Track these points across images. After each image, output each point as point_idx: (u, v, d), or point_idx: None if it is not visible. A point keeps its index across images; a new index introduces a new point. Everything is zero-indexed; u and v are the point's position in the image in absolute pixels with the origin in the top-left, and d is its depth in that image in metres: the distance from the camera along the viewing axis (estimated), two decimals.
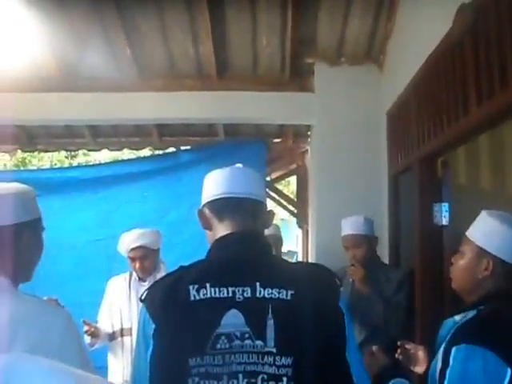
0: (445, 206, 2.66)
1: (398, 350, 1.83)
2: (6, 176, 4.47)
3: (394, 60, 3.43)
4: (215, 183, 1.29)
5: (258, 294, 1.12)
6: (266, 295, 1.12)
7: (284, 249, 3.51)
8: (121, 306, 2.90)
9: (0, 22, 3.18)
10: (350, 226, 2.91)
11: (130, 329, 2.81)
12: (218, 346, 1.09)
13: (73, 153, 9.46)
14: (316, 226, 3.82)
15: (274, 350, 1.08)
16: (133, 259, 2.86)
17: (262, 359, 1.08)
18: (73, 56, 3.59)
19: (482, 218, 1.55)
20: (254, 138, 4.68)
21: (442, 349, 1.41)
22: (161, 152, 5.15)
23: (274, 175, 6.34)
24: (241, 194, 1.27)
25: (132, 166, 4.70)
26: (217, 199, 1.27)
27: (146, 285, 2.74)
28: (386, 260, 3.20)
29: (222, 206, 1.27)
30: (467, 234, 1.57)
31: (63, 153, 9.37)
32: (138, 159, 5.23)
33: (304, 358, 1.08)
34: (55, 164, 10.35)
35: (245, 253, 1.22)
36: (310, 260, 4.32)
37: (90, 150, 5.45)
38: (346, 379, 1.09)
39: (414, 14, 2.88)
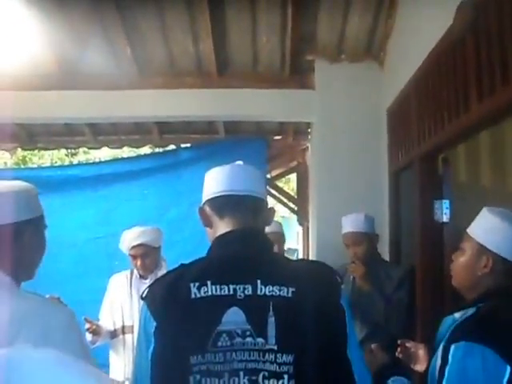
0: (445, 203, 2.66)
1: (399, 349, 1.83)
2: (6, 174, 4.47)
3: (394, 57, 3.42)
4: (216, 181, 1.29)
5: (259, 292, 1.12)
6: (267, 293, 1.12)
7: (285, 246, 3.51)
8: (122, 303, 2.90)
9: (0, 21, 3.17)
10: (350, 224, 2.90)
11: (132, 326, 2.81)
12: (219, 344, 1.09)
13: (73, 151, 9.48)
14: (316, 224, 3.82)
15: (275, 348, 1.08)
16: (134, 257, 2.86)
17: (263, 357, 1.08)
18: (73, 54, 3.59)
19: (483, 215, 1.54)
20: (255, 136, 4.68)
21: (441, 346, 1.40)
22: (161, 150, 5.16)
23: (275, 172, 6.34)
24: (241, 192, 1.27)
25: (132, 163, 4.70)
26: (217, 197, 1.27)
27: (147, 282, 2.73)
28: (386, 257, 3.20)
29: (223, 204, 1.27)
30: (468, 230, 1.57)
31: (63, 151, 9.39)
32: (138, 157, 5.23)
33: (305, 355, 1.08)
34: (55, 162, 10.35)
35: (245, 250, 1.22)
36: (310, 257, 4.32)
37: (90, 148, 5.46)
38: (347, 376, 1.09)
39: (414, 10, 2.88)
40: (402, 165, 3.13)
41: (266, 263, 1.21)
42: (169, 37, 3.54)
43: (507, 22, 1.70)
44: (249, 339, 1.09)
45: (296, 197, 6.23)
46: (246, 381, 1.07)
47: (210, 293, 1.12)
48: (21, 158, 9.63)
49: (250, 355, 1.08)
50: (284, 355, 1.07)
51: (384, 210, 3.45)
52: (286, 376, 1.06)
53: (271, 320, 1.09)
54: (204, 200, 1.31)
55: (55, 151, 9.22)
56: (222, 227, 1.26)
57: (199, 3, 3.22)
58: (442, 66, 2.34)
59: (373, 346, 2.48)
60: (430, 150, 2.60)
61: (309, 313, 1.10)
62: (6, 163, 8.69)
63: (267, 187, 4.92)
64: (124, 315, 2.88)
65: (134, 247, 2.84)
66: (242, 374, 1.07)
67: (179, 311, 1.12)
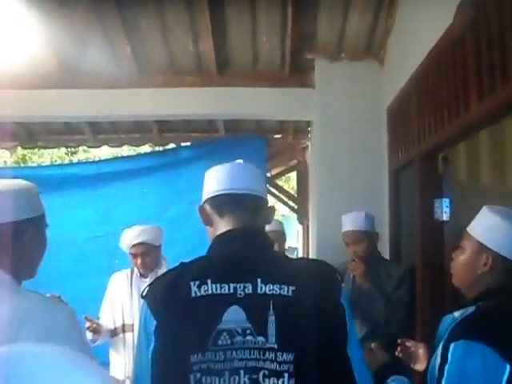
0: (445, 202, 2.65)
1: (399, 348, 1.83)
2: (6, 173, 4.46)
3: (394, 55, 3.42)
4: (216, 179, 1.29)
5: (259, 290, 1.12)
6: (268, 291, 1.12)
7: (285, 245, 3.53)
8: (122, 302, 2.90)
9: (0, 19, 3.17)
10: (350, 222, 2.90)
11: (132, 325, 2.81)
12: (220, 342, 1.09)
13: (73, 149, 9.48)
14: (316, 222, 3.82)
15: (276, 346, 1.08)
16: (134, 255, 2.86)
17: (264, 355, 1.08)
18: (72, 53, 3.59)
19: (483, 214, 1.54)
20: (255, 134, 4.68)
21: (440, 345, 1.40)
22: (161, 148, 5.15)
23: (275, 171, 6.34)
24: (241, 190, 1.27)
25: (132, 162, 4.70)
26: (217, 195, 1.27)
27: (148, 281, 2.73)
28: (386, 256, 3.20)
29: (223, 202, 1.27)
30: (468, 229, 1.57)
31: (63, 149, 9.39)
32: (138, 156, 5.24)
33: (305, 354, 1.08)
34: (55, 161, 10.34)
35: (246, 249, 1.22)
36: (310, 256, 4.32)
37: (89, 147, 5.46)
38: (348, 375, 1.09)
39: (414, 9, 2.87)
40: (402, 163, 3.13)
41: (266, 262, 1.21)
42: (169, 35, 3.54)
43: (507, 21, 1.70)
44: (249, 338, 1.09)
45: (296, 195, 6.23)
46: (246, 379, 1.07)
47: (210, 291, 1.12)
48: (21, 156, 9.62)
49: (250, 354, 1.08)
50: (284, 354, 1.07)
51: (384, 209, 3.45)
52: (286, 374, 1.06)
53: (271, 319, 1.09)
54: (204, 198, 1.31)
55: (55, 150, 9.22)
56: (223, 226, 1.26)
57: (199, 1, 3.22)
58: (442, 64, 2.34)
59: (372, 345, 2.48)
60: (430, 148, 2.60)
61: (309, 311, 1.10)
62: (5, 162, 8.70)
63: (267, 186, 4.92)
64: (124, 314, 2.88)
65: (134, 246, 2.84)
66: (242, 372, 1.07)
67: (179, 310, 1.12)
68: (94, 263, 4.14)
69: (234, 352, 1.08)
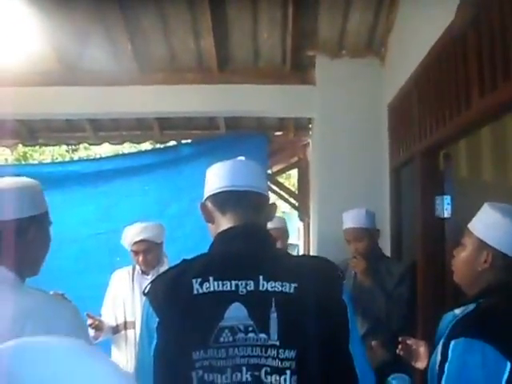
0: (447, 199, 2.65)
1: (399, 346, 1.83)
2: (7, 170, 4.47)
3: (395, 53, 3.41)
4: (217, 176, 1.29)
5: (261, 288, 1.12)
6: (269, 288, 1.12)
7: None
8: (124, 299, 2.90)
9: (1, 17, 3.17)
10: (351, 220, 2.91)
11: (134, 322, 2.81)
12: (222, 340, 1.09)
13: (74, 147, 9.48)
14: (317, 219, 3.82)
15: (278, 343, 1.08)
16: (136, 252, 2.86)
17: (266, 352, 1.08)
18: (73, 50, 3.58)
19: (484, 211, 1.54)
20: (255, 131, 4.67)
21: (441, 342, 1.40)
22: (162, 145, 5.15)
23: (276, 168, 6.34)
24: (243, 187, 1.27)
25: (133, 159, 4.69)
26: (219, 192, 1.27)
27: (149, 278, 2.74)
28: (387, 253, 3.20)
29: (225, 199, 1.27)
30: (469, 226, 1.57)
31: (64, 147, 9.37)
32: (139, 153, 5.22)
33: (307, 350, 1.08)
34: (56, 158, 10.35)
35: (248, 246, 1.22)
36: (311, 253, 4.32)
37: (90, 144, 5.45)
38: (350, 372, 1.09)
39: (415, 6, 2.87)
40: (403, 160, 3.13)
41: (268, 259, 1.21)
42: (169, 32, 3.54)
43: (509, 18, 1.69)
44: (251, 335, 1.09)
45: (297, 192, 6.24)
46: (248, 376, 1.07)
47: (212, 289, 1.12)
48: (21, 154, 9.62)
49: (252, 351, 1.08)
50: (286, 351, 1.07)
51: (385, 206, 3.45)
52: (288, 371, 1.06)
53: (273, 316, 1.09)
54: (206, 195, 1.31)
55: (56, 147, 9.23)
56: (224, 223, 1.26)
57: None
58: (443, 61, 2.34)
59: (373, 342, 2.49)
60: (432, 145, 2.60)
61: (311, 308, 1.10)
62: (6, 159, 8.69)
63: (268, 183, 4.92)
64: (126, 311, 2.88)
65: (136, 243, 2.84)
66: (244, 369, 1.07)
67: (181, 307, 1.12)
68: (95, 260, 4.13)
69: (236, 349, 1.08)
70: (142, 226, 2.85)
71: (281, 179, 6.91)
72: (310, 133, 4.49)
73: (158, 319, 1.12)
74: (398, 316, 2.66)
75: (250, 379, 1.07)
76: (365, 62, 3.70)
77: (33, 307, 1.19)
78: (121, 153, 7.01)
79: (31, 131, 4.67)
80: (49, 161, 9.61)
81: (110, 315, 2.92)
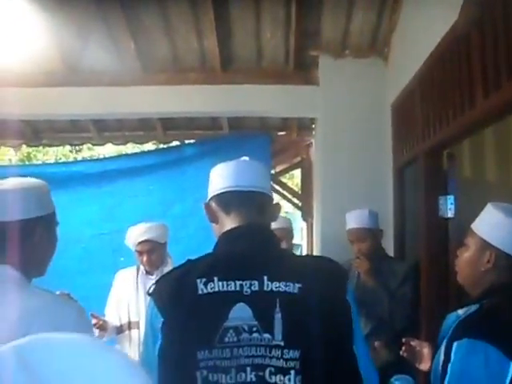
0: (450, 199, 2.65)
1: (403, 347, 1.82)
2: (11, 171, 4.48)
3: (398, 52, 3.41)
4: (221, 176, 1.30)
5: (265, 288, 1.12)
6: (274, 288, 1.12)
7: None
8: (128, 299, 2.91)
9: (5, 17, 3.18)
10: (354, 220, 2.90)
11: (138, 322, 2.82)
12: (226, 340, 1.09)
13: (77, 147, 9.51)
14: (320, 219, 3.82)
15: (282, 343, 1.08)
16: (140, 253, 2.87)
17: (270, 352, 1.08)
18: (77, 51, 3.59)
19: (488, 211, 1.54)
20: (259, 131, 4.67)
21: (444, 343, 1.40)
22: (165, 146, 5.15)
23: (279, 168, 6.33)
24: (247, 187, 1.27)
25: (136, 160, 4.70)
26: (223, 192, 1.27)
27: (154, 278, 2.75)
28: (391, 253, 3.20)
29: (229, 200, 1.27)
30: (472, 226, 1.56)
31: (68, 147, 9.41)
32: (143, 153, 5.23)
33: (311, 351, 1.08)
34: (60, 158, 10.38)
35: (252, 246, 1.22)
36: (314, 253, 4.32)
37: (94, 145, 5.46)
38: (354, 372, 1.09)
39: (418, 6, 2.86)
40: (406, 160, 3.12)
41: (272, 259, 1.21)
42: (172, 32, 3.54)
43: None
44: (255, 335, 1.09)
45: (300, 192, 6.23)
46: (252, 376, 1.07)
47: (216, 289, 1.12)
48: (25, 154, 9.66)
49: (256, 351, 1.09)
50: (291, 351, 1.07)
51: (388, 206, 3.45)
52: (292, 372, 1.06)
53: (278, 316, 1.09)
54: (210, 196, 1.31)
55: (60, 148, 9.25)
56: (228, 223, 1.26)
57: None
58: (446, 61, 2.33)
59: (376, 343, 2.49)
60: (435, 145, 2.59)
61: (315, 309, 1.10)
62: (10, 160, 8.72)
63: (271, 183, 4.92)
64: (130, 311, 2.89)
65: (140, 243, 2.85)
66: (248, 369, 1.08)
67: (186, 307, 1.13)
68: (99, 261, 4.15)
69: (241, 349, 1.09)
70: (146, 227, 2.85)
71: (284, 179, 6.91)
72: (313, 133, 4.49)
73: (162, 319, 1.12)
74: (402, 316, 2.66)
75: (254, 379, 1.07)
76: (368, 61, 3.70)
77: (39, 307, 1.20)
78: (124, 153, 7.02)
79: (35, 131, 4.68)
80: (52, 161, 9.63)
81: (113, 315, 2.92)
